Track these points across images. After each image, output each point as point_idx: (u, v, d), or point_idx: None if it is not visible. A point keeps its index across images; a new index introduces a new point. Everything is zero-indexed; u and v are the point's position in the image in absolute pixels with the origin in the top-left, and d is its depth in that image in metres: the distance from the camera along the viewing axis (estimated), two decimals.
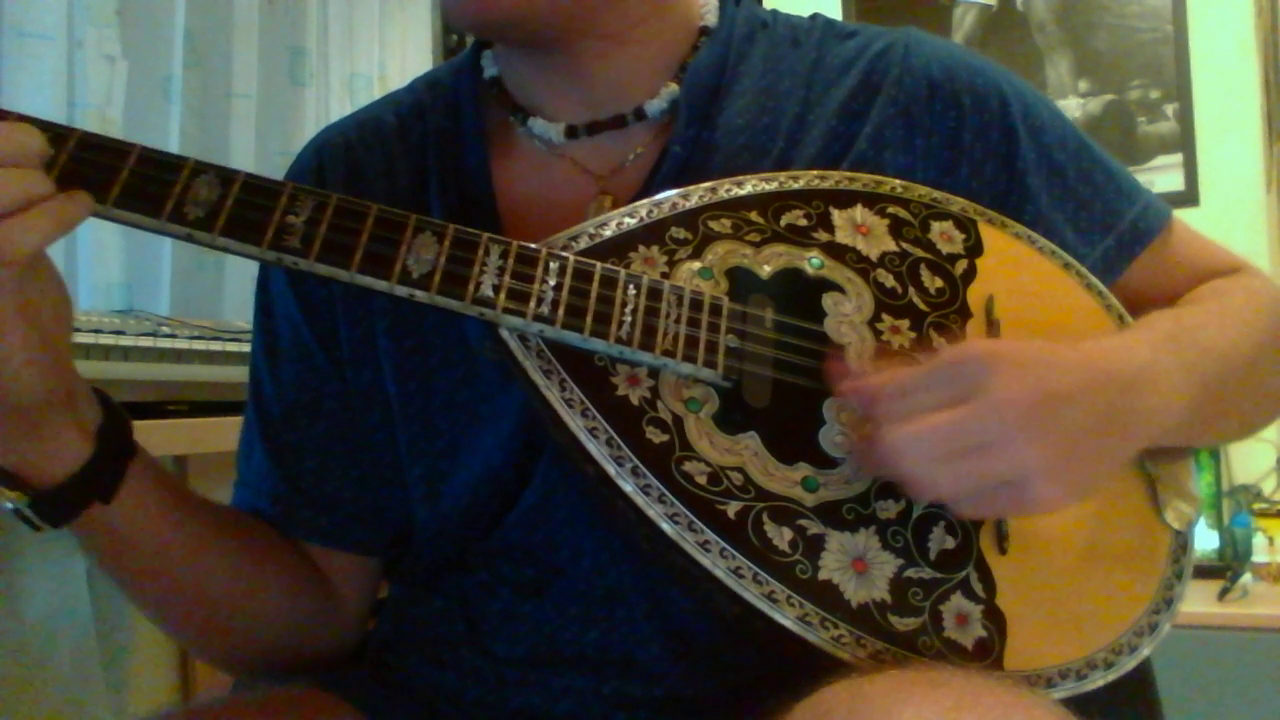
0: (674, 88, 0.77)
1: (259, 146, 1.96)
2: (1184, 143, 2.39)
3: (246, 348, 1.41)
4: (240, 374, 1.40)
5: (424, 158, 0.81)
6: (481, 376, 0.75)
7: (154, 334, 1.34)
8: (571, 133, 0.77)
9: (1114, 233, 0.79)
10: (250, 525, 0.79)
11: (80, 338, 1.22)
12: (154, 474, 0.71)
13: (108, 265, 1.67)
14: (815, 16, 0.84)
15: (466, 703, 0.77)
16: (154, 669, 1.65)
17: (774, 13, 0.84)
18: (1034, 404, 0.59)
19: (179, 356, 1.36)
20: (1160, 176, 2.38)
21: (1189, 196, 2.37)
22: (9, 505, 0.64)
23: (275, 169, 1.89)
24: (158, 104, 1.79)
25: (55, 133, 0.59)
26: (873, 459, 0.61)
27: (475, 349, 0.74)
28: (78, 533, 0.68)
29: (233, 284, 1.91)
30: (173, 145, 1.79)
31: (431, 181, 0.79)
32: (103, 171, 0.59)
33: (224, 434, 1.33)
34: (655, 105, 0.77)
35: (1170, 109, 2.40)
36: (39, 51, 1.57)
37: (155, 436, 1.30)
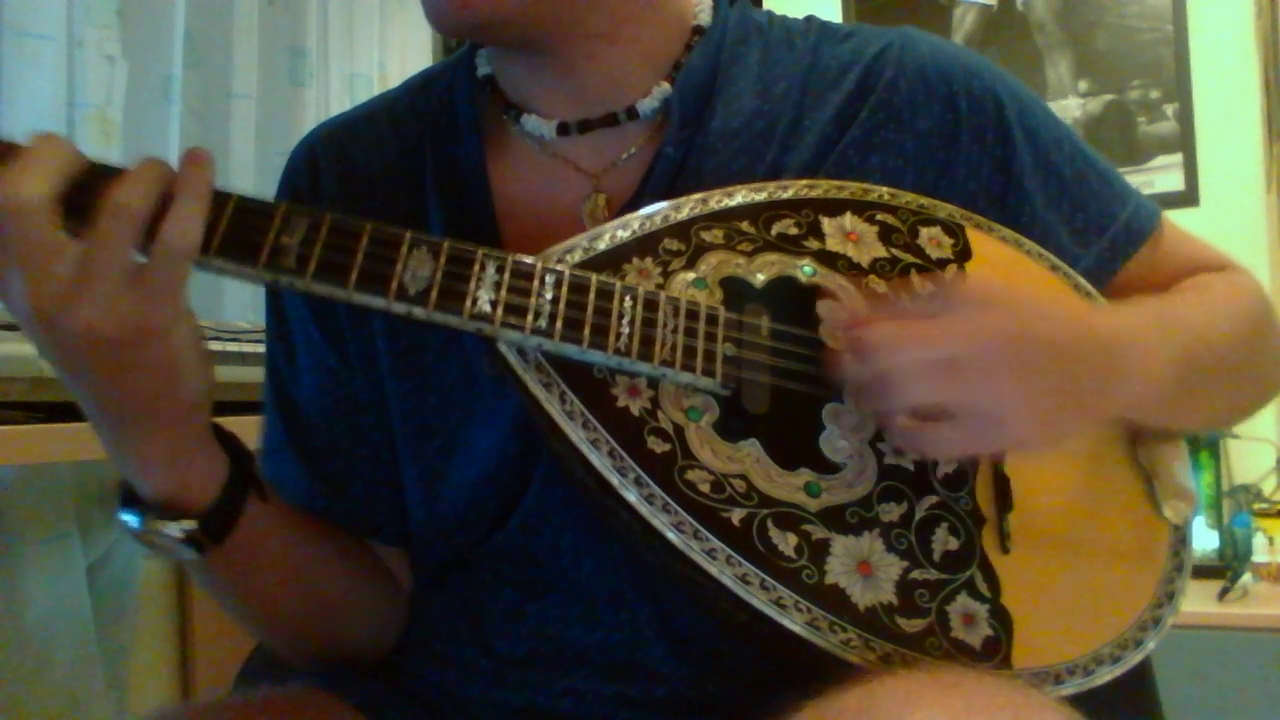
0: (666, 87, 0.77)
1: (259, 147, 1.96)
2: (1184, 143, 2.39)
3: (247, 348, 1.42)
4: (241, 374, 1.40)
5: (419, 155, 0.80)
6: (476, 378, 0.75)
7: None
8: (563, 130, 0.77)
9: (1109, 234, 0.79)
10: (322, 522, 0.81)
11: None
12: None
13: None
14: (810, 18, 0.84)
15: (468, 702, 0.77)
16: (154, 669, 1.65)
17: (770, 14, 0.84)
18: (1020, 342, 0.60)
19: None
20: (1160, 176, 2.39)
21: (1189, 196, 2.37)
22: (177, 533, 0.66)
23: (275, 169, 1.88)
24: (158, 104, 1.79)
25: None
26: (853, 366, 0.62)
27: (468, 350, 0.74)
28: (213, 557, 0.68)
29: (233, 284, 1.90)
30: (173, 145, 1.79)
31: (427, 179, 0.79)
32: (95, 198, 0.58)
33: None
34: (647, 104, 0.77)
35: (1170, 109, 2.40)
36: (39, 51, 1.56)
37: None
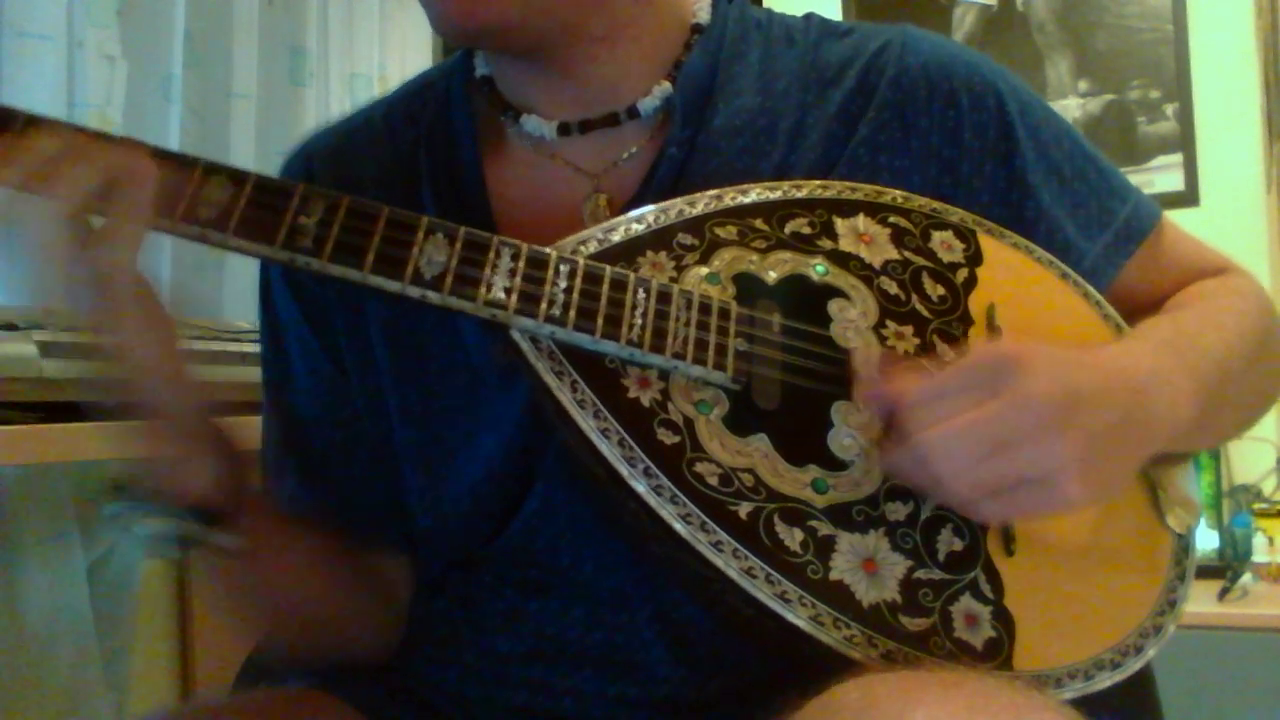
0: (667, 86, 0.77)
1: (259, 146, 1.96)
2: (1184, 143, 2.39)
3: (247, 348, 1.42)
4: (240, 374, 1.39)
5: (415, 159, 0.80)
6: (480, 381, 0.75)
7: None
8: (564, 131, 0.77)
9: (1110, 230, 0.80)
10: (323, 536, 0.80)
11: (80, 338, 1.22)
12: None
13: None
14: (810, 16, 0.84)
15: (469, 702, 0.77)
16: (154, 669, 1.65)
17: (769, 12, 0.84)
18: (1062, 401, 0.59)
19: None
20: (1160, 176, 2.38)
21: (1189, 196, 2.37)
22: (176, 528, 0.67)
23: (275, 169, 1.89)
24: (158, 104, 1.79)
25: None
26: (902, 462, 0.61)
27: (472, 353, 0.74)
28: (214, 553, 0.69)
29: (233, 284, 1.90)
30: (173, 145, 1.78)
31: (424, 183, 0.79)
32: None
33: None
34: (648, 103, 0.77)
35: (1170, 109, 2.40)
36: (39, 51, 1.57)
37: None
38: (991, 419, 0.59)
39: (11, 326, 1.16)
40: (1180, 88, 2.39)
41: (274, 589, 0.76)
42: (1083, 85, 2.48)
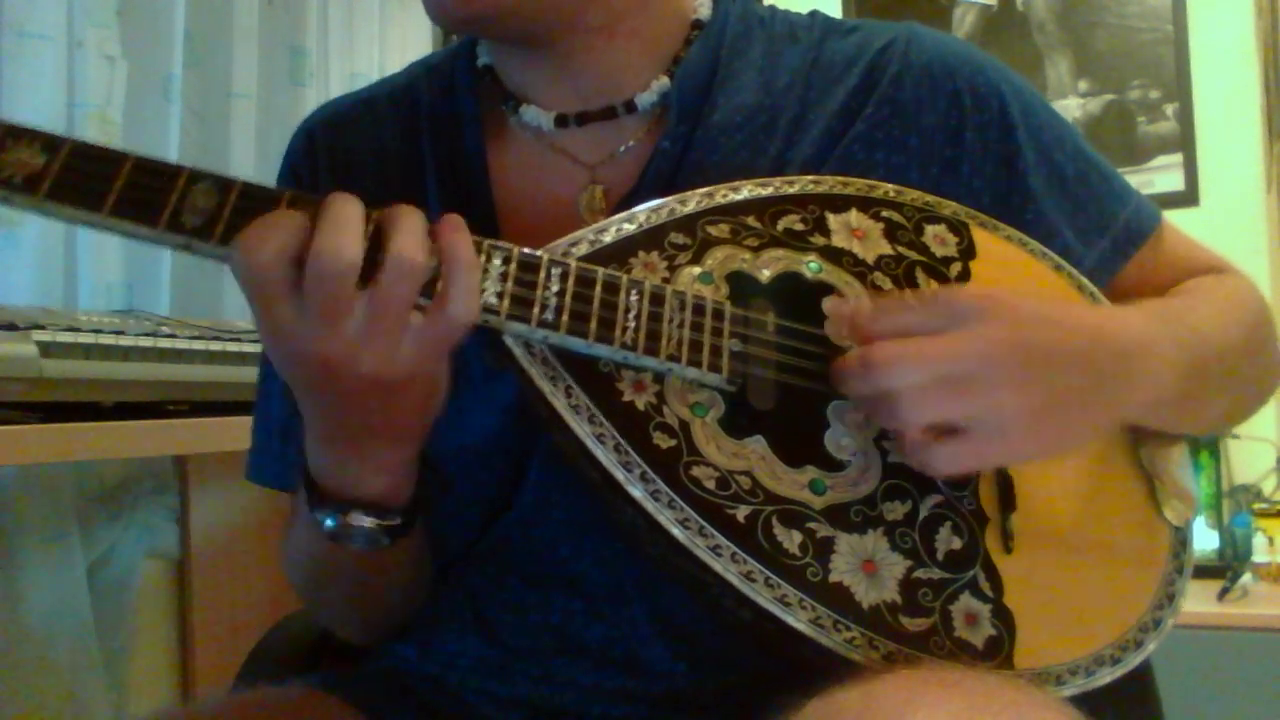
0: (665, 81, 0.77)
1: (259, 146, 1.96)
2: (1184, 143, 2.39)
3: (247, 348, 1.42)
4: (240, 374, 1.40)
5: (418, 140, 0.81)
6: (465, 366, 0.74)
7: (154, 334, 1.33)
8: (561, 122, 0.78)
9: (1109, 234, 0.80)
10: None
11: (80, 338, 1.22)
12: None
13: (108, 265, 1.67)
14: (814, 14, 0.84)
15: (468, 697, 0.77)
16: (154, 669, 1.65)
17: (772, 9, 0.84)
18: (1022, 353, 0.60)
19: (179, 356, 1.36)
20: (1160, 176, 2.39)
21: (1189, 196, 2.37)
22: (366, 524, 0.67)
23: (275, 169, 1.89)
24: (158, 104, 1.79)
25: (46, 140, 0.58)
26: (852, 373, 0.61)
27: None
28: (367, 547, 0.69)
29: (233, 284, 1.88)
30: (173, 145, 1.79)
31: (428, 167, 0.79)
32: (97, 181, 0.58)
33: (224, 434, 1.33)
34: (645, 98, 0.77)
35: (1170, 109, 2.40)
36: (39, 51, 1.56)
37: (155, 436, 1.30)
38: (946, 353, 0.59)
39: (11, 326, 1.16)
40: (1180, 88, 2.39)
41: (402, 565, 0.76)
42: (1083, 85, 2.48)
